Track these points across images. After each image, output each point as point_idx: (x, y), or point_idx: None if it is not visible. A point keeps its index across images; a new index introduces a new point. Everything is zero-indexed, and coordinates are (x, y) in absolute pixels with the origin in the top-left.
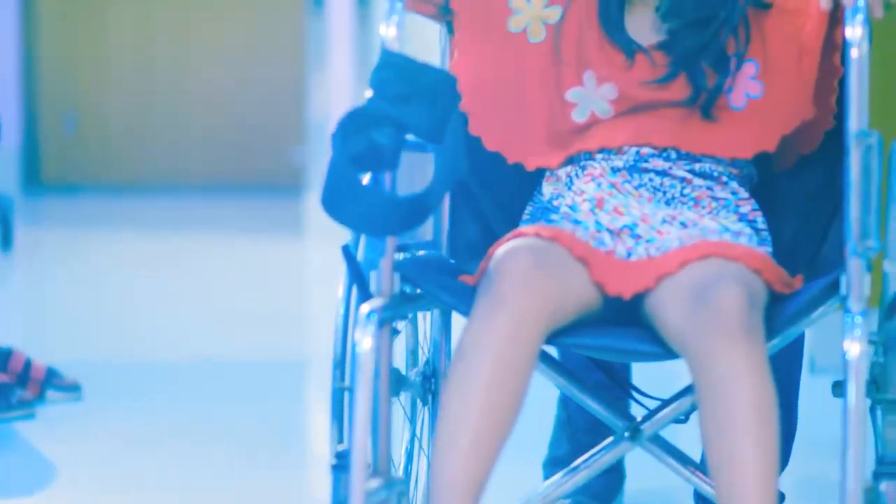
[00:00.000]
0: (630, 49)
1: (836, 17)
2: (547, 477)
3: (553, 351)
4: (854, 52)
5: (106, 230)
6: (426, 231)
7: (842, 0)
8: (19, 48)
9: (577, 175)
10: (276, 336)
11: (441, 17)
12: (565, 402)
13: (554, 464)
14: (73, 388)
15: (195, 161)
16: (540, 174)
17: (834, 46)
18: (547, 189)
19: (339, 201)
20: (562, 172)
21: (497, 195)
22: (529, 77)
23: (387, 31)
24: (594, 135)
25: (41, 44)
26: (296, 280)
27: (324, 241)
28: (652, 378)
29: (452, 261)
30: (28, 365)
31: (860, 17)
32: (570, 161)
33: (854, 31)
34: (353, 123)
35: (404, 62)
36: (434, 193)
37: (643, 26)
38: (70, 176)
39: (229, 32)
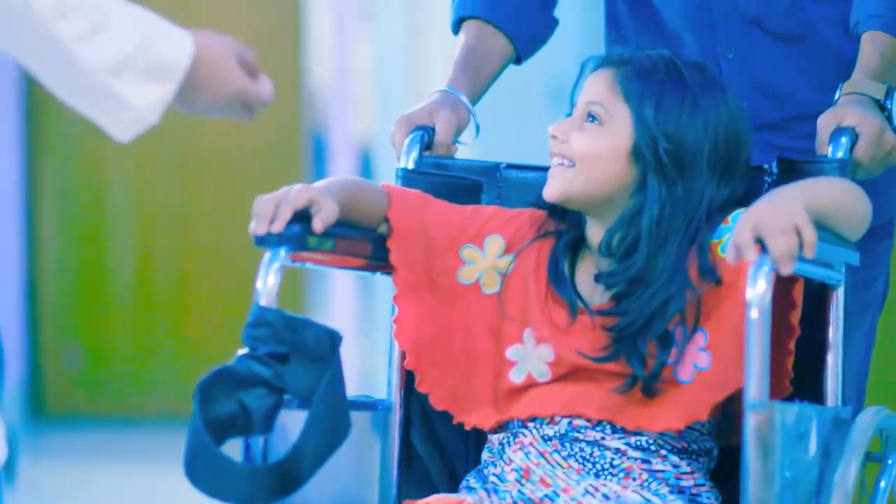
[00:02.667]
0: (574, 307)
1: (790, 300)
2: None
3: None
4: (753, 313)
5: (110, 464)
6: None
7: (747, 257)
8: (22, 285)
9: (508, 443)
10: None
11: (372, 268)
12: None
13: None
14: None
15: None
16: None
17: (792, 304)
18: (485, 453)
19: (199, 469)
20: (495, 438)
21: (446, 453)
22: (477, 331)
23: (263, 283)
24: (527, 402)
25: (43, 279)
26: None
27: None
28: None
29: None
30: None
31: (765, 269)
32: (503, 427)
33: (756, 290)
34: (222, 384)
35: (279, 319)
36: (307, 459)
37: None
38: (74, 408)
39: (227, 246)
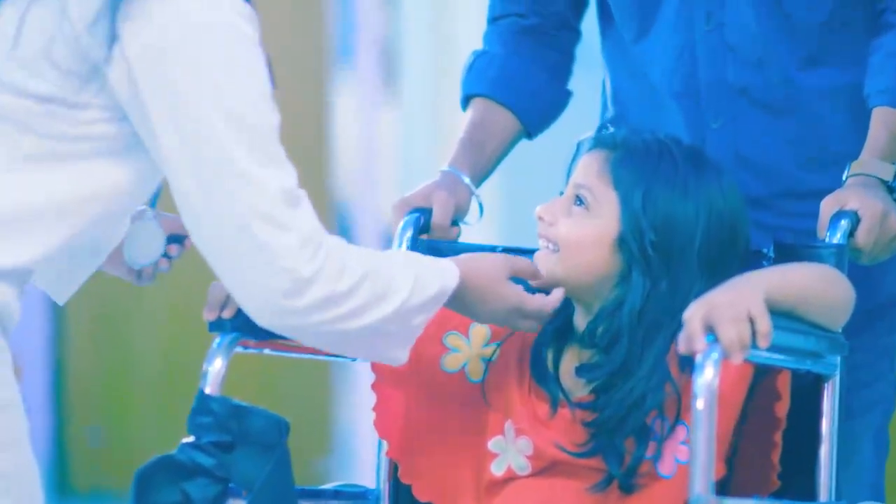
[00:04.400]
0: (555, 400)
1: (775, 391)
2: None
3: None
4: (699, 403)
5: None
6: None
7: (695, 345)
8: (50, 366)
9: None
10: None
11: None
12: None
13: None
14: None
15: None
16: None
17: (776, 395)
18: None
19: None
20: None
21: None
22: (461, 420)
23: (209, 368)
24: (506, 497)
25: (70, 361)
26: None
27: None
28: None
29: None
30: None
31: (713, 358)
32: None
33: (702, 380)
34: (164, 473)
35: (224, 407)
36: None
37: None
38: (99, 484)
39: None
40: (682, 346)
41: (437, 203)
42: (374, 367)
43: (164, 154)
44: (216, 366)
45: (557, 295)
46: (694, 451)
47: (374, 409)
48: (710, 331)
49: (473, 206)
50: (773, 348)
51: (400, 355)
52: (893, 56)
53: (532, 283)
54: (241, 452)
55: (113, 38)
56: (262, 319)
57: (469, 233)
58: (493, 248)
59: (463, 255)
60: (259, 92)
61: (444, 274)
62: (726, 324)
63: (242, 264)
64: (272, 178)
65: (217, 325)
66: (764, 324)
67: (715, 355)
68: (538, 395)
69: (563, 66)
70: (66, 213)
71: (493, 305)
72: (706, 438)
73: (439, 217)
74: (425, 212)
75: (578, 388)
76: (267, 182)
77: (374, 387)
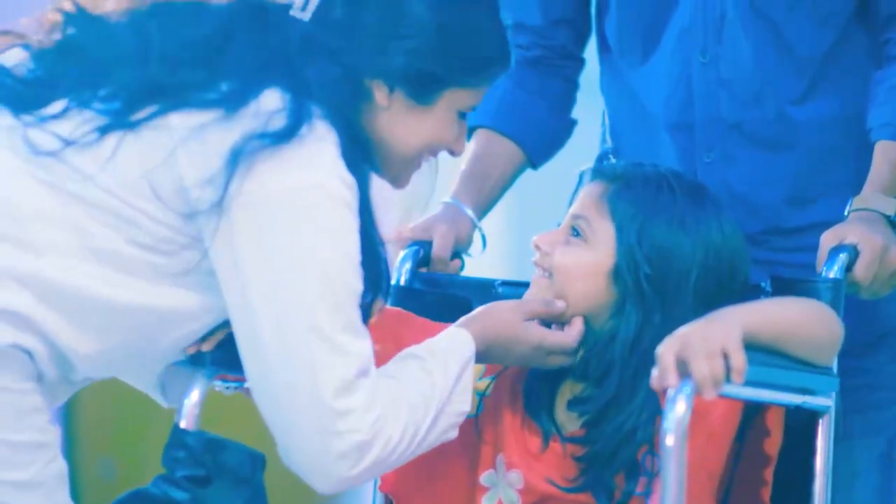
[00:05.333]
0: (547, 435)
1: (764, 428)
2: None
3: None
4: (669, 440)
5: None
6: None
7: (666, 381)
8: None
9: None
10: None
11: None
12: None
13: None
14: None
15: None
16: None
17: (765, 432)
18: None
19: None
20: None
21: None
22: (454, 454)
23: (185, 401)
24: None
25: (81, 392)
26: None
27: None
28: None
29: None
30: None
31: (685, 394)
32: None
33: (672, 416)
34: None
35: (199, 441)
36: None
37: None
38: None
39: None
40: (654, 381)
41: (437, 235)
42: None
43: (244, 302)
44: (192, 399)
45: (578, 326)
46: (664, 488)
47: None
48: (684, 366)
49: (477, 237)
50: (754, 384)
51: (460, 422)
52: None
53: (548, 318)
54: (215, 487)
55: (221, 196)
56: (324, 483)
57: (473, 265)
58: (491, 283)
59: (475, 312)
60: (351, 258)
61: (459, 349)
62: (699, 359)
63: (307, 428)
64: (351, 345)
65: (196, 359)
66: (738, 359)
67: (687, 390)
68: (531, 429)
69: (566, 95)
70: (114, 312)
71: (517, 350)
72: (676, 475)
73: (439, 250)
74: (425, 244)
75: (571, 422)
76: (347, 350)
77: None
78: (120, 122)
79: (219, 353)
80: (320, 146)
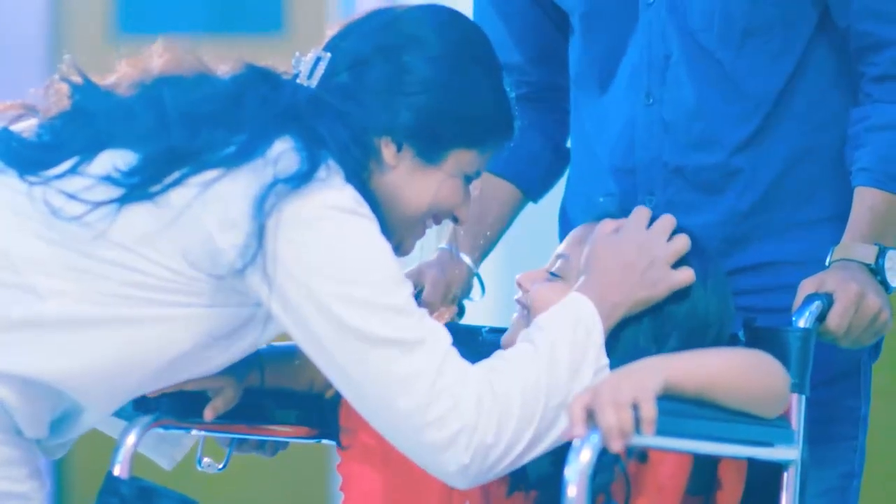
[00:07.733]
0: (513, 483)
1: (716, 480)
2: None
3: None
4: (570, 490)
5: None
6: None
7: (573, 431)
8: None
9: None
10: None
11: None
12: None
13: None
14: None
15: None
16: None
17: (717, 484)
18: None
19: None
20: None
21: None
22: (427, 496)
23: (121, 447)
24: None
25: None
26: None
27: None
28: None
29: None
30: None
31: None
32: None
33: (575, 467)
34: None
35: (132, 489)
36: None
37: None
38: None
39: None
40: (563, 432)
41: (427, 282)
42: (347, 441)
43: (313, 338)
44: (127, 444)
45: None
46: None
47: (342, 488)
48: (591, 417)
49: (476, 282)
50: (675, 434)
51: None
52: (873, 131)
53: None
54: None
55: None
56: (449, 478)
57: (473, 310)
58: (478, 329)
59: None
60: (391, 254)
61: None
62: (606, 409)
63: (406, 429)
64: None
65: (140, 404)
66: (647, 409)
67: (594, 439)
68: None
69: (558, 124)
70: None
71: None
72: None
73: (428, 295)
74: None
75: (540, 468)
76: (421, 344)
77: (340, 468)
78: (140, 193)
79: (163, 400)
80: (340, 182)
